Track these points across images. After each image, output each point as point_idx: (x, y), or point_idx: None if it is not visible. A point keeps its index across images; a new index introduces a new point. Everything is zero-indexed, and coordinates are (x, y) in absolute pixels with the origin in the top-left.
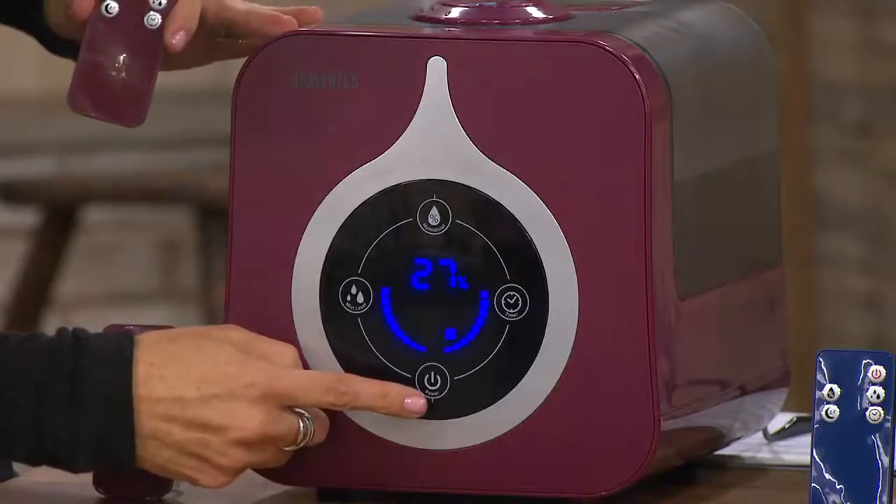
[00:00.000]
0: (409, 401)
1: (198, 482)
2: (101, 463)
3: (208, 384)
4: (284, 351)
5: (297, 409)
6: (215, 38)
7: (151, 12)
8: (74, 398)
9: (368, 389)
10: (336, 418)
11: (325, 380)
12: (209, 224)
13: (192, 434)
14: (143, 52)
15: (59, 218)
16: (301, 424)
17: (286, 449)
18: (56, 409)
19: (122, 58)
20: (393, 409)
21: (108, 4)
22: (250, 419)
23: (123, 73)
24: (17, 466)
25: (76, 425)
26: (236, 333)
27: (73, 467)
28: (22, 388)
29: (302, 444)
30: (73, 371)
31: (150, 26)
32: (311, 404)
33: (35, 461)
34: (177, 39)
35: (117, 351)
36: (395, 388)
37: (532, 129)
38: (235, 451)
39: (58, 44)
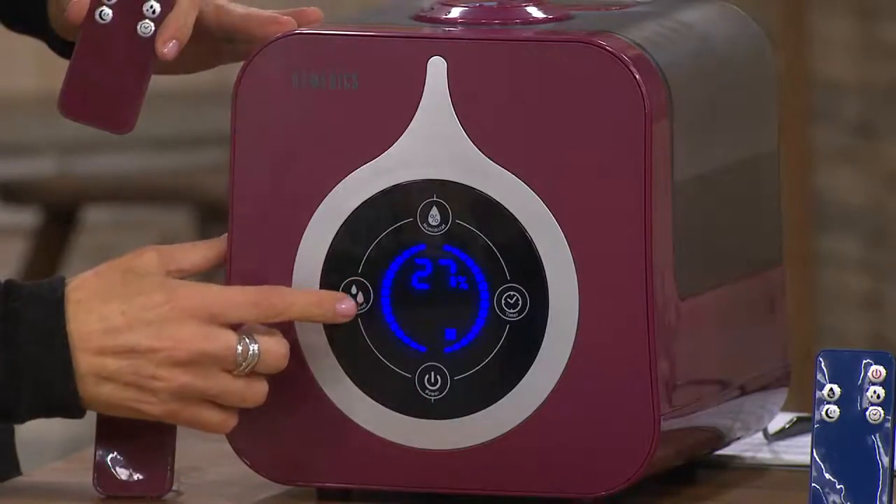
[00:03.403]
0: (343, 305)
1: (145, 414)
2: (46, 407)
3: (135, 310)
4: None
5: (240, 330)
6: (216, 42)
7: (145, 20)
8: (8, 340)
9: (299, 299)
10: (336, 418)
11: (255, 294)
12: (209, 224)
13: (123, 361)
14: (135, 59)
15: (59, 218)
16: (240, 344)
17: (236, 373)
18: None
19: (113, 65)
20: (329, 316)
21: (101, 11)
22: (178, 336)
23: (114, 80)
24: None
25: (13, 367)
26: (164, 256)
27: (15, 416)
28: None
29: (249, 367)
30: (5, 313)
31: (142, 34)
32: (243, 319)
33: None
34: (168, 49)
35: (49, 291)
36: (328, 295)
37: (532, 129)
38: (170, 372)
39: (66, 46)
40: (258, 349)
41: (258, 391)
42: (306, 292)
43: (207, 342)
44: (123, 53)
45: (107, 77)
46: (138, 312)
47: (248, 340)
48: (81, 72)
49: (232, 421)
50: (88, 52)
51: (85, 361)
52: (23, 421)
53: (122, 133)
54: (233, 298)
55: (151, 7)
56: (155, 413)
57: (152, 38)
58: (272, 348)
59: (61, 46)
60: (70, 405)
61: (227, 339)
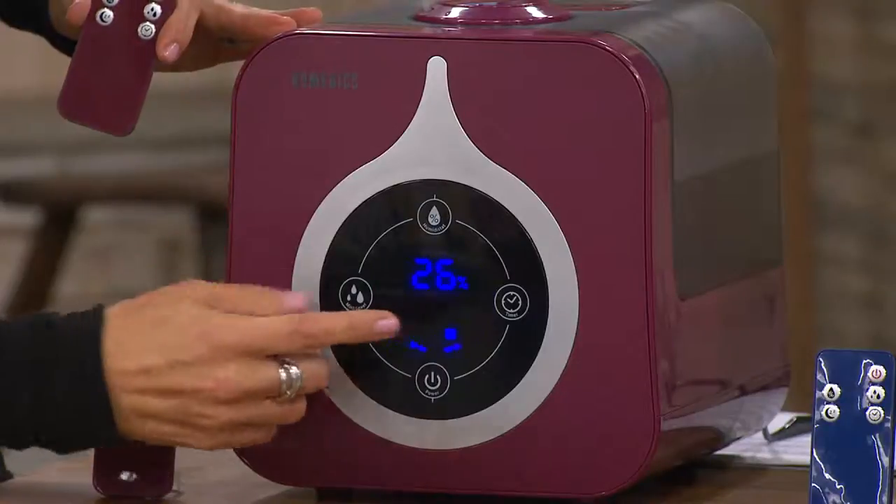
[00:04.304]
0: (382, 322)
1: (192, 446)
2: (87, 443)
3: (173, 350)
4: (255, 297)
5: (281, 358)
6: (216, 42)
7: (146, 23)
8: (45, 380)
9: (335, 324)
10: (336, 418)
11: (288, 325)
12: (209, 224)
13: (169, 402)
14: (136, 61)
15: (59, 218)
16: (283, 374)
17: (280, 400)
18: (31, 396)
19: (113, 67)
20: (365, 336)
21: (102, 13)
22: (223, 377)
23: (114, 82)
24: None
25: (51, 406)
26: (203, 290)
27: (58, 449)
28: None
29: (294, 393)
30: (42, 353)
31: (143, 37)
32: (282, 352)
33: (16, 444)
34: (169, 52)
35: (84, 326)
36: (361, 316)
37: (532, 129)
38: (217, 410)
39: (69, 44)
40: (300, 374)
41: (299, 410)
42: (340, 315)
43: (252, 379)
44: (124, 55)
45: (107, 79)
46: (176, 353)
47: (288, 366)
48: (81, 73)
49: (272, 433)
50: (89, 54)
51: (126, 400)
52: (68, 452)
53: (121, 135)
54: (271, 331)
55: (152, 9)
56: (203, 446)
57: (153, 41)
58: (314, 371)
59: (63, 44)
60: (111, 440)
61: (270, 373)
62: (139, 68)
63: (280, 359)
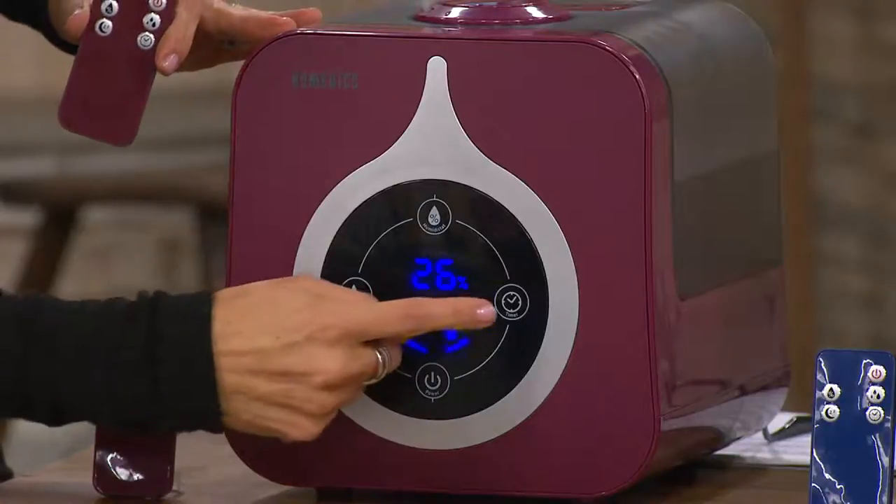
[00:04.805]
0: (482, 311)
1: (287, 435)
2: (188, 423)
3: (286, 332)
4: (357, 294)
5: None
6: (216, 45)
7: (145, 33)
8: (152, 358)
9: (440, 310)
10: (336, 418)
11: (398, 309)
12: (209, 224)
13: (276, 385)
14: (135, 72)
15: (59, 218)
16: (379, 357)
17: (367, 383)
18: (134, 371)
19: (113, 77)
20: (467, 323)
21: (102, 23)
22: (332, 361)
23: (114, 92)
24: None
25: (156, 385)
26: (309, 282)
27: (158, 429)
28: (100, 354)
29: (385, 374)
30: (150, 331)
31: (143, 47)
32: (388, 335)
33: (121, 424)
34: (168, 63)
35: (194, 307)
36: (464, 303)
37: (532, 129)
38: (320, 396)
39: (67, 43)
40: (389, 357)
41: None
42: (444, 301)
43: (356, 364)
44: (123, 66)
45: (107, 89)
46: (288, 335)
47: (383, 352)
48: (81, 84)
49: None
50: (88, 64)
51: (234, 381)
52: (160, 432)
53: (122, 145)
54: (383, 314)
55: (151, 19)
56: (299, 436)
57: (152, 51)
58: (397, 353)
59: (62, 43)
60: (213, 421)
61: (370, 358)
62: (139, 78)
63: (375, 343)
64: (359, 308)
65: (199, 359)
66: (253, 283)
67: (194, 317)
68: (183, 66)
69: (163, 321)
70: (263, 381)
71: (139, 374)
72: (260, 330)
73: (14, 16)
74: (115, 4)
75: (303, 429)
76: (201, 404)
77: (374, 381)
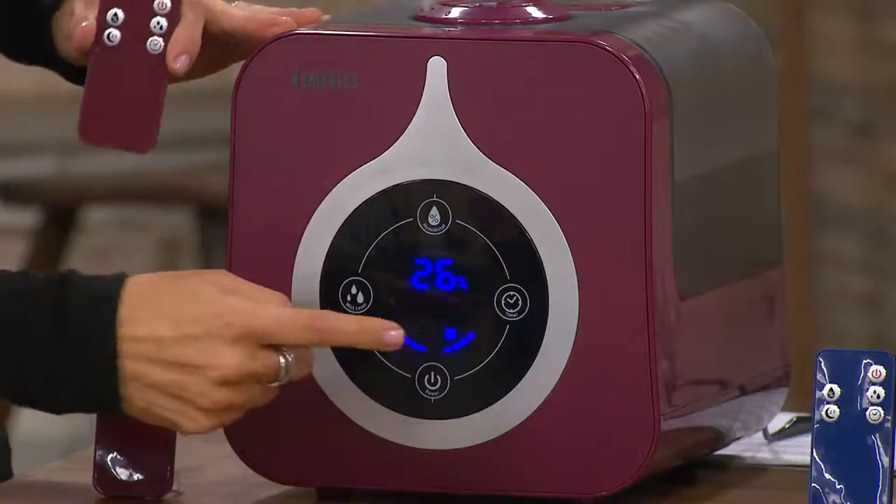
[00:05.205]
0: (391, 333)
1: (181, 427)
2: (86, 403)
3: (187, 323)
4: (272, 295)
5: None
6: (221, 47)
7: (153, 37)
8: (57, 334)
9: (346, 326)
10: (336, 418)
11: (302, 317)
12: (209, 224)
13: (171, 375)
14: (148, 77)
15: (59, 218)
16: (281, 360)
17: (270, 386)
18: (38, 345)
19: (127, 85)
20: (371, 343)
21: (109, 33)
22: (229, 358)
23: (130, 100)
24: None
25: (58, 361)
26: (226, 277)
27: (57, 408)
28: (5, 323)
29: (285, 381)
30: (57, 305)
31: (152, 51)
32: (289, 342)
33: (19, 400)
34: (180, 64)
35: (104, 288)
36: (372, 323)
37: (532, 129)
38: (216, 391)
39: (79, 74)
40: (293, 361)
41: (274, 393)
42: (352, 319)
43: (254, 364)
44: (136, 72)
45: (123, 98)
46: (189, 326)
47: (287, 357)
48: (97, 96)
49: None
50: (101, 76)
51: (132, 367)
52: (62, 413)
53: (144, 152)
54: (285, 320)
55: (158, 23)
56: (190, 428)
57: (163, 54)
58: (306, 359)
59: (74, 74)
60: (110, 404)
61: (271, 360)
62: (153, 83)
63: (279, 346)
64: (265, 310)
65: (100, 340)
66: (170, 272)
67: (102, 297)
68: (193, 73)
69: (71, 297)
70: (159, 370)
71: (41, 348)
72: (163, 318)
73: (19, 57)
74: (120, 13)
75: (196, 422)
76: (99, 387)
77: (276, 383)
